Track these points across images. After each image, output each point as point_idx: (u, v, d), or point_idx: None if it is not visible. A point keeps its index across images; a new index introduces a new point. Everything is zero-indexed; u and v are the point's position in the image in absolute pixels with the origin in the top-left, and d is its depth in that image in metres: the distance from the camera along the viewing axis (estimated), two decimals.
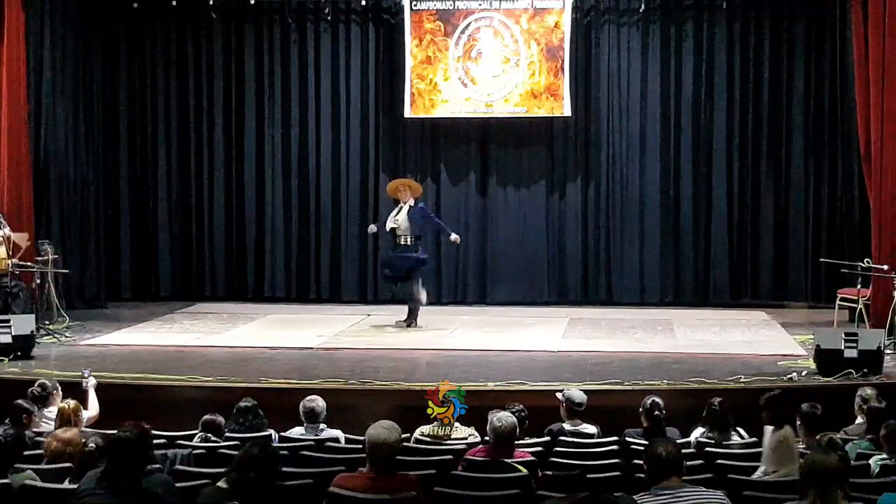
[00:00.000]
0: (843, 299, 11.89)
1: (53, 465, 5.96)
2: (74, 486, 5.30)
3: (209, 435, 7.10)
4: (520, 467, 6.06)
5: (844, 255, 12.50)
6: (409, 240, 11.89)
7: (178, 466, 6.33)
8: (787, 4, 13.68)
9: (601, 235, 14.14)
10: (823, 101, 13.59)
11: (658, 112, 13.94)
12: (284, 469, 5.89)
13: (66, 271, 12.65)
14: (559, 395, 7.76)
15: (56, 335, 11.39)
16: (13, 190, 12.18)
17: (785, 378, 9.35)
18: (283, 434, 7.46)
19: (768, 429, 6.59)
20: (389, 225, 11.97)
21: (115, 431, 5.56)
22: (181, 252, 14.58)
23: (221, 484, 4.99)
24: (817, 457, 4.71)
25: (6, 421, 6.99)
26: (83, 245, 13.74)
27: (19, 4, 12.15)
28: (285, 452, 6.58)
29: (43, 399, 7.67)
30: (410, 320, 12.05)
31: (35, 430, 7.15)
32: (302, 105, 14.38)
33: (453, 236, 12.38)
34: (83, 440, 5.91)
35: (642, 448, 5.74)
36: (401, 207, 11.99)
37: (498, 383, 9.13)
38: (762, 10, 13.74)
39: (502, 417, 6.43)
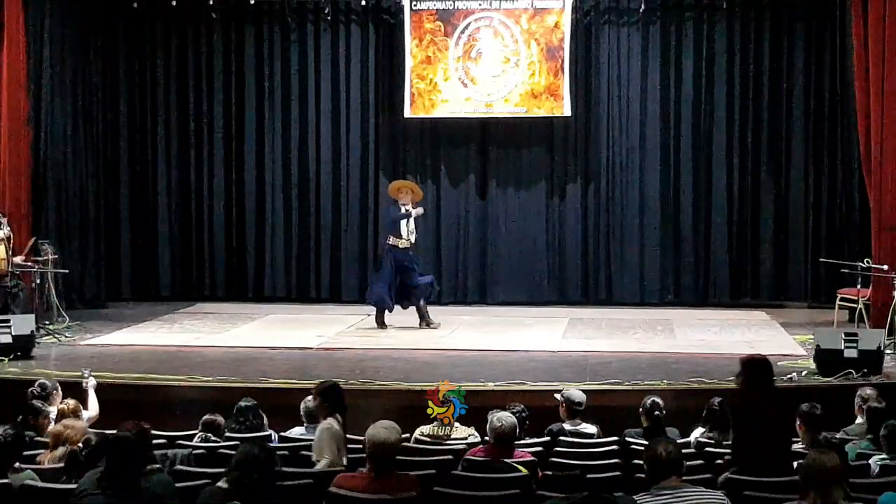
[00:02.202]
0: (843, 299, 11.89)
1: (55, 465, 5.97)
2: (74, 486, 5.30)
3: (209, 435, 7.10)
4: (520, 467, 6.06)
5: (844, 255, 12.49)
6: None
7: (178, 466, 6.33)
8: (787, 4, 13.68)
9: (601, 235, 14.13)
10: (823, 100, 13.59)
11: (658, 112, 13.94)
12: (284, 469, 5.90)
13: (66, 271, 12.65)
14: (559, 395, 7.76)
15: (56, 335, 11.38)
16: (13, 190, 12.17)
17: (785, 378, 9.35)
18: (283, 434, 7.46)
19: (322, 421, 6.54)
20: (412, 238, 11.97)
21: (115, 431, 5.57)
22: (181, 252, 14.57)
23: (221, 484, 5.00)
24: (817, 457, 4.70)
25: (17, 419, 7.00)
26: (83, 245, 13.74)
27: (19, 4, 12.14)
28: (285, 452, 6.59)
29: (43, 399, 7.67)
30: (429, 319, 12.07)
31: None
32: (302, 105, 14.37)
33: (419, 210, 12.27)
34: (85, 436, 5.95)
35: (642, 448, 5.73)
36: (408, 215, 11.92)
37: (498, 383, 9.13)
38: (762, 10, 13.74)
39: (502, 417, 6.43)
